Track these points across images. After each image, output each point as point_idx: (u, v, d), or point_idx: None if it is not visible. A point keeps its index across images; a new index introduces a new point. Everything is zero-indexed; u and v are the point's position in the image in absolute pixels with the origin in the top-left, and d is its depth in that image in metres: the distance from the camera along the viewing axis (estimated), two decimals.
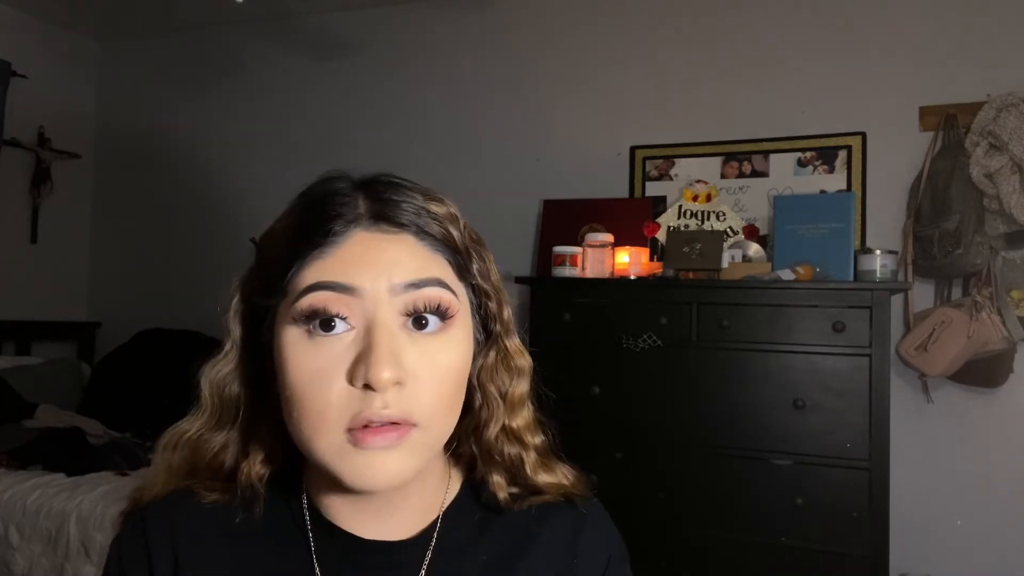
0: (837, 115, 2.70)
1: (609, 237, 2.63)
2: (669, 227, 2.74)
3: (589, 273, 2.58)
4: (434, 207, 0.64)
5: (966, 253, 2.36)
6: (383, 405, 0.57)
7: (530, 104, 3.14)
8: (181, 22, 3.68)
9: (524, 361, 0.71)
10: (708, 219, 2.73)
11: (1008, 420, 2.48)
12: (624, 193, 2.95)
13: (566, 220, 2.89)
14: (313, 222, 0.61)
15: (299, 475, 0.69)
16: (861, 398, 2.19)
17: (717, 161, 2.84)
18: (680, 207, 2.78)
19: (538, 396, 0.74)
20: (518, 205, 3.07)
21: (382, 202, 0.62)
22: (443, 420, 0.62)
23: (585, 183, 3.00)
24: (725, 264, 2.47)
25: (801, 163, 2.73)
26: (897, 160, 2.61)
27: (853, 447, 2.19)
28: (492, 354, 0.69)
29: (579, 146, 3.05)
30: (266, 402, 0.66)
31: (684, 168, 2.88)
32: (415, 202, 0.63)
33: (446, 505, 0.70)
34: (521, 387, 0.71)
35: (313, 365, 0.59)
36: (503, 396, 0.70)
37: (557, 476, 0.73)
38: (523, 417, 0.71)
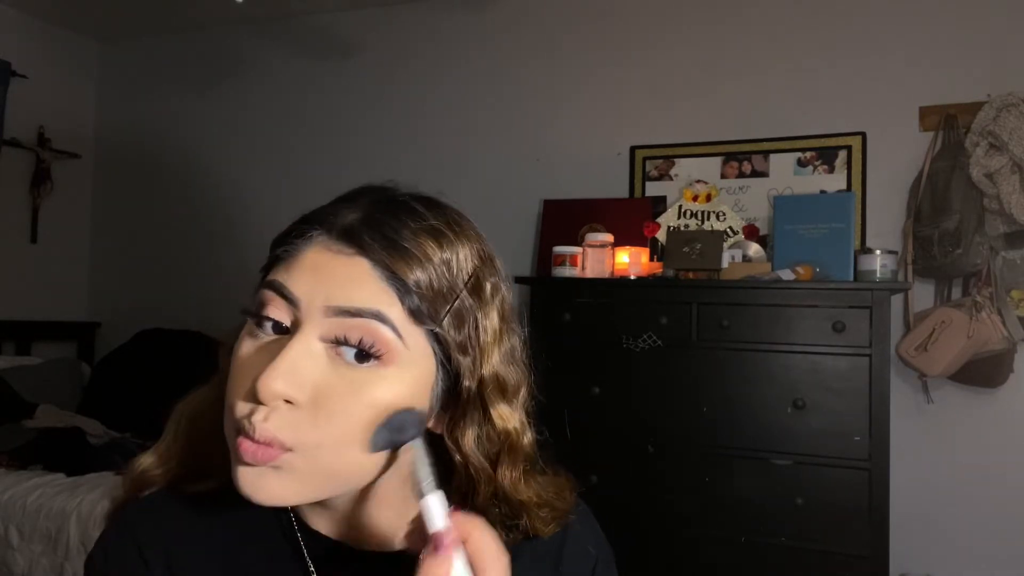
0: (837, 115, 2.69)
1: (609, 237, 2.63)
2: (669, 227, 2.74)
3: (589, 273, 2.58)
4: (426, 243, 0.59)
5: (966, 253, 2.36)
6: (263, 418, 0.54)
7: (530, 104, 3.14)
8: (181, 22, 3.68)
9: (510, 427, 0.63)
10: (708, 219, 2.73)
11: (1008, 420, 2.48)
12: (624, 193, 2.95)
13: (566, 220, 2.89)
14: (299, 223, 0.61)
15: None
16: (861, 398, 2.19)
17: (717, 161, 2.84)
18: (680, 207, 2.78)
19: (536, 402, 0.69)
20: (518, 205, 3.07)
21: (362, 220, 0.59)
22: (332, 453, 0.56)
23: (585, 183, 3.00)
24: (725, 264, 2.47)
25: (801, 163, 2.73)
26: (897, 160, 2.61)
27: (853, 447, 2.19)
28: (472, 417, 0.62)
29: (579, 146, 3.05)
30: None
31: (684, 168, 2.88)
32: (401, 230, 0.58)
33: None
34: (515, 468, 0.64)
35: (242, 358, 0.58)
36: (493, 464, 0.64)
37: (553, 511, 0.69)
38: (522, 488, 0.65)
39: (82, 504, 2.37)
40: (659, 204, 2.87)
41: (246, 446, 0.54)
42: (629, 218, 2.77)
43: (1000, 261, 2.42)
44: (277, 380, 0.54)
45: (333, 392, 0.56)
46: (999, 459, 2.48)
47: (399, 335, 0.57)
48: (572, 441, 2.14)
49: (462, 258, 0.61)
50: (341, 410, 0.56)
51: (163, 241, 3.76)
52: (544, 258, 2.83)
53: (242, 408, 0.56)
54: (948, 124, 2.52)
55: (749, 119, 2.81)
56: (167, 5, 3.49)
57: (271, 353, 0.56)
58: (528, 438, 0.66)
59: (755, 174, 2.79)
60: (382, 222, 0.59)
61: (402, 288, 0.57)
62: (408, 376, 0.58)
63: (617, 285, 2.51)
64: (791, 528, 2.23)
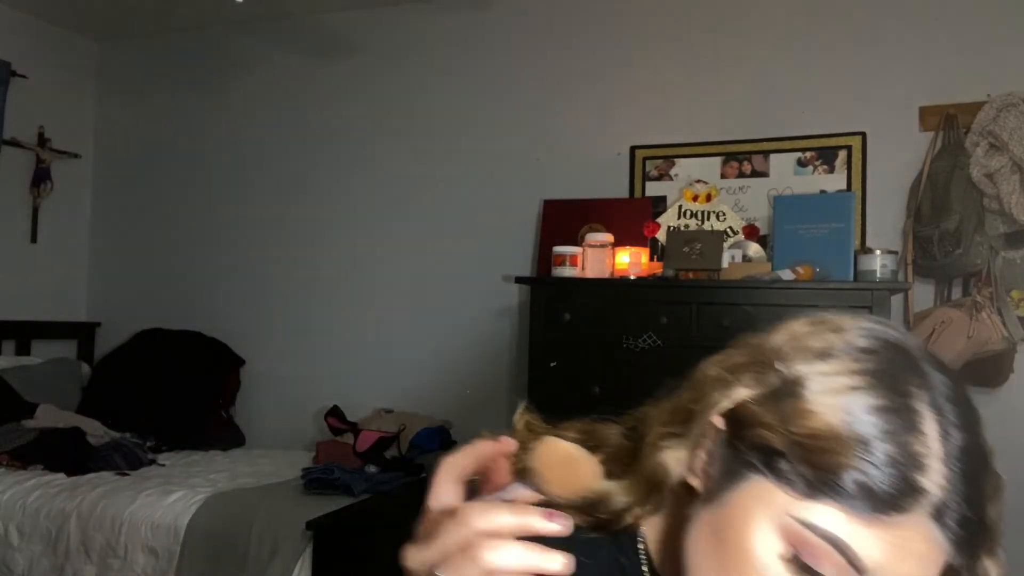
0: (837, 115, 2.69)
1: (609, 237, 2.63)
2: (669, 227, 2.74)
3: (589, 273, 2.58)
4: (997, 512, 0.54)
5: (966, 253, 2.36)
6: None
7: (530, 104, 3.14)
8: (181, 22, 3.67)
9: None
10: (708, 219, 2.73)
11: (1008, 420, 2.47)
12: (624, 193, 2.95)
13: (566, 220, 2.88)
14: (875, 472, 0.50)
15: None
16: None
17: (717, 161, 2.84)
18: (680, 207, 2.78)
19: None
20: (518, 205, 3.07)
21: (978, 523, 0.53)
22: None
23: (585, 183, 3.00)
24: (725, 264, 2.47)
25: (801, 163, 2.73)
26: (897, 160, 2.61)
27: None
28: None
29: (579, 146, 3.05)
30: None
31: (684, 168, 2.88)
32: (994, 525, 0.54)
33: None
34: None
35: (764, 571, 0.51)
36: None
37: None
38: None
39: (82, 504, 2.37)
40: (659, 204, 2.87)
41: None
42: (629, 218, 2.77)
43: (1000, 261, 2.42)
44: None
45: None
46: (999, 459, 2.47)
47: None
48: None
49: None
50: None
51: (163, 241, 3.76)
52: (544, 258, 2.83)
53: None
54: (948, 124, 2.52)
55: (749, 119, 2.81)
56: (167, 5, 3.49)
57: None
58: None
59: (755, 174, 2.79)
60: (986, 524, 0.54)
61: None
62: None
63: (617, 285, 2.51)
64: None
